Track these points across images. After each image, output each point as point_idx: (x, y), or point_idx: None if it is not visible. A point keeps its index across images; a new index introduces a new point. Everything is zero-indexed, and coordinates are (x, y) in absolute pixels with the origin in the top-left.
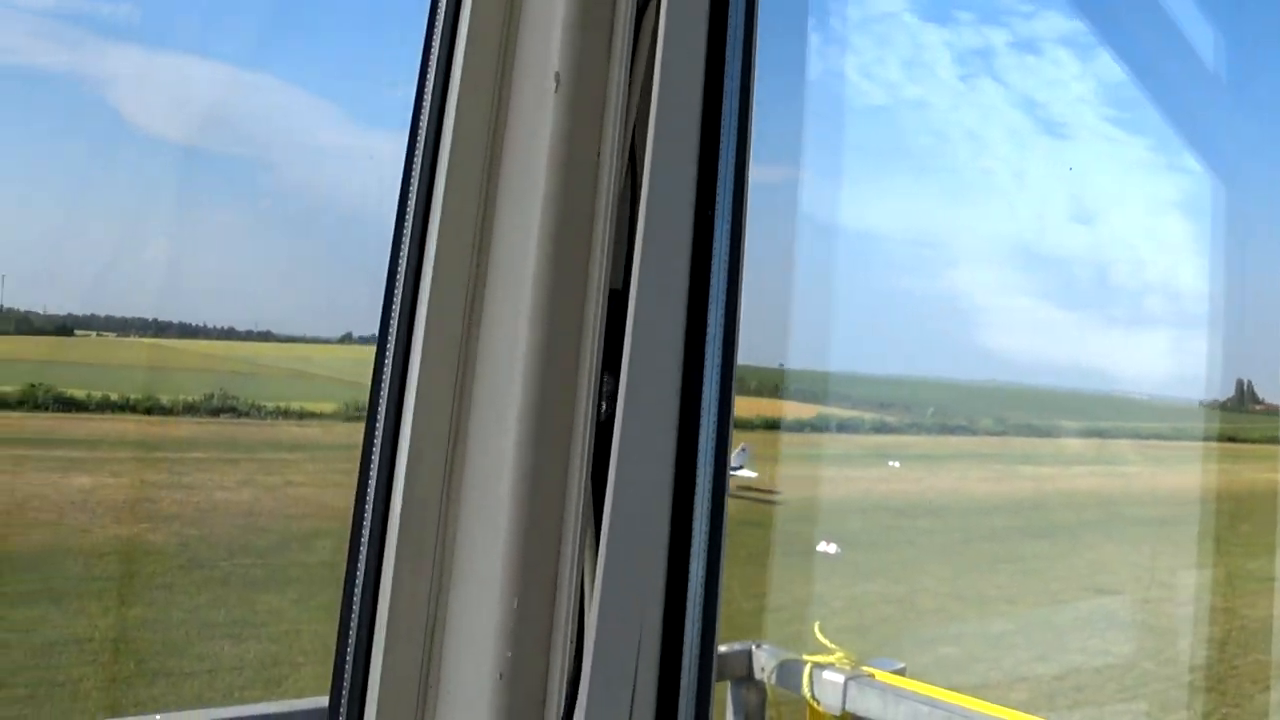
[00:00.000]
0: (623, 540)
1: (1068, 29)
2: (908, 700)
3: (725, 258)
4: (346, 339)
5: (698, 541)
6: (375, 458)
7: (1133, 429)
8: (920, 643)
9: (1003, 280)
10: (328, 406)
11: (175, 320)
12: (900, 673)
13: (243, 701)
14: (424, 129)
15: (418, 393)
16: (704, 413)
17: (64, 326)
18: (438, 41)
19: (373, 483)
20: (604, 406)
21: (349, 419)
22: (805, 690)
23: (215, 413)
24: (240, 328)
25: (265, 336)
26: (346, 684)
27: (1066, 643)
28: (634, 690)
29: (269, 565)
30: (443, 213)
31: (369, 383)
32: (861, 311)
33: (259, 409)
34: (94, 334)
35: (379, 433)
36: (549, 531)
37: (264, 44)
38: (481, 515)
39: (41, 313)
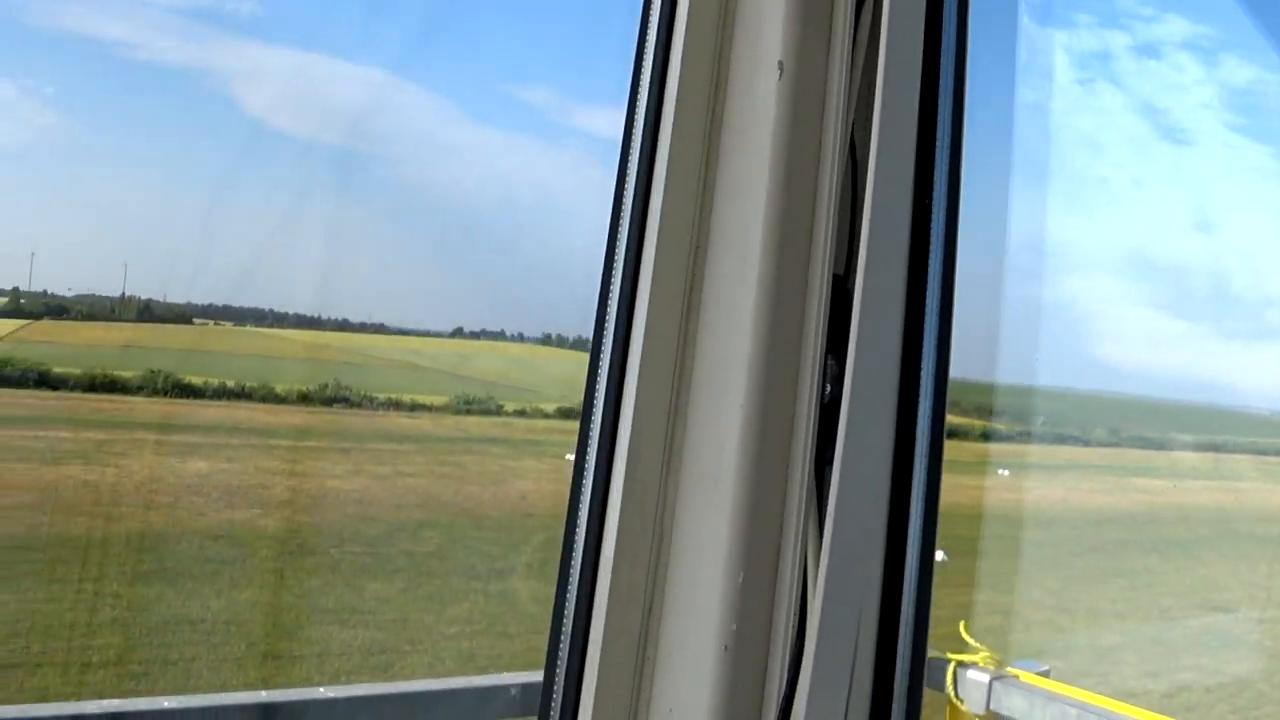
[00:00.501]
0: (847, 521)
1: (1191, 33)
2: (1057, 703)
3: (941, 245)
4: (458, 333)
5: (914, 524)
6: (594, 436)
7: (1250, 444)
8: (1025, 655)
9: (1117, 289)
10: (438, 399)
11: (291, 311)
12: (1045, 674)
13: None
14: (640, 118)
15: (639, 373)
16: (921, 396)
17: (183, 315)
18: (653, 32)
19: (591, 460)
20: (828, 389)
21: (458, 412)
22: (949, 688)
23: (328, 402)
24: (354, 320)
25: (378, 329)
26: (563, 657)
27: (1177, 660)
28: (853, 668)
29: (377, 554)
30: (663, 200)
31: (479, 377)
32: (971, 317)
33: (371, 400)
34: (212, 323)
35: (598, 410)
36: (772, 509)
37: (382, 41)
38: (703, 492)
39: (162, 301)
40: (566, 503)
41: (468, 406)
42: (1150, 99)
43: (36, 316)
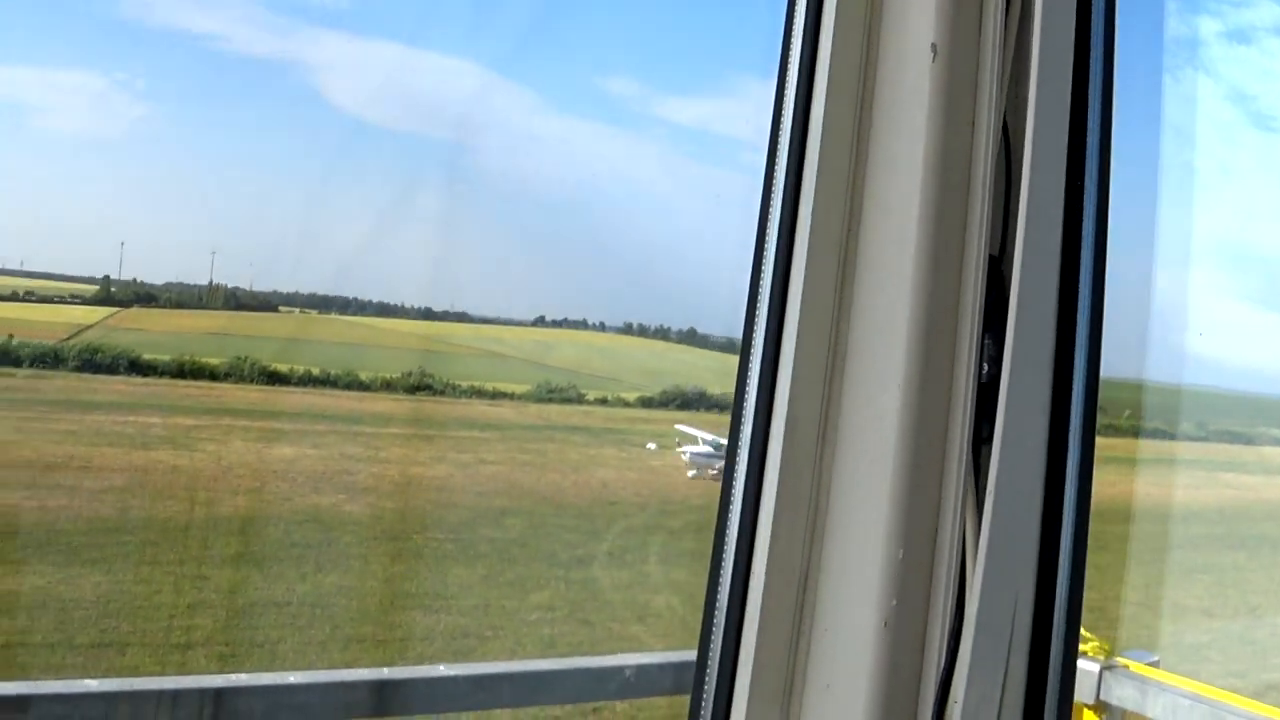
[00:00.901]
0: (1006, 499)
1: None
2: (1169, 693)
3: (1093, 226)
4: (539, 321)
5: (1068, 503)
6: (747, 414)
7: None
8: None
9: (1206, 280)
10: (520, 387)
11: (374, 299)
12: (1154, 665)
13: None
14: (790, 100)
15: (794, 352)
16: (1075, 376)
17: (269, 303)
18: (801, 13)
19: (745, 438)
20: (985, 368)
21: (540, 400)
22: None
23: (412, 390)
24: (437, 308)
25: (461, 317)
26: (718, 634)
27: (1266, 660)
28: (1009, 646)
29: (460, 540)
30: (816, 181)
31: (560, 365)
32: None
33: (454, 387)
34: (297, 311)
35: (751, 389)
36: (930, 487)
37: (468, 32)
38: (860, 469)
39: (248, 289)
40: (647, 491)
41: (549, 395)
42: (1240, 86)
43: (126, 304)
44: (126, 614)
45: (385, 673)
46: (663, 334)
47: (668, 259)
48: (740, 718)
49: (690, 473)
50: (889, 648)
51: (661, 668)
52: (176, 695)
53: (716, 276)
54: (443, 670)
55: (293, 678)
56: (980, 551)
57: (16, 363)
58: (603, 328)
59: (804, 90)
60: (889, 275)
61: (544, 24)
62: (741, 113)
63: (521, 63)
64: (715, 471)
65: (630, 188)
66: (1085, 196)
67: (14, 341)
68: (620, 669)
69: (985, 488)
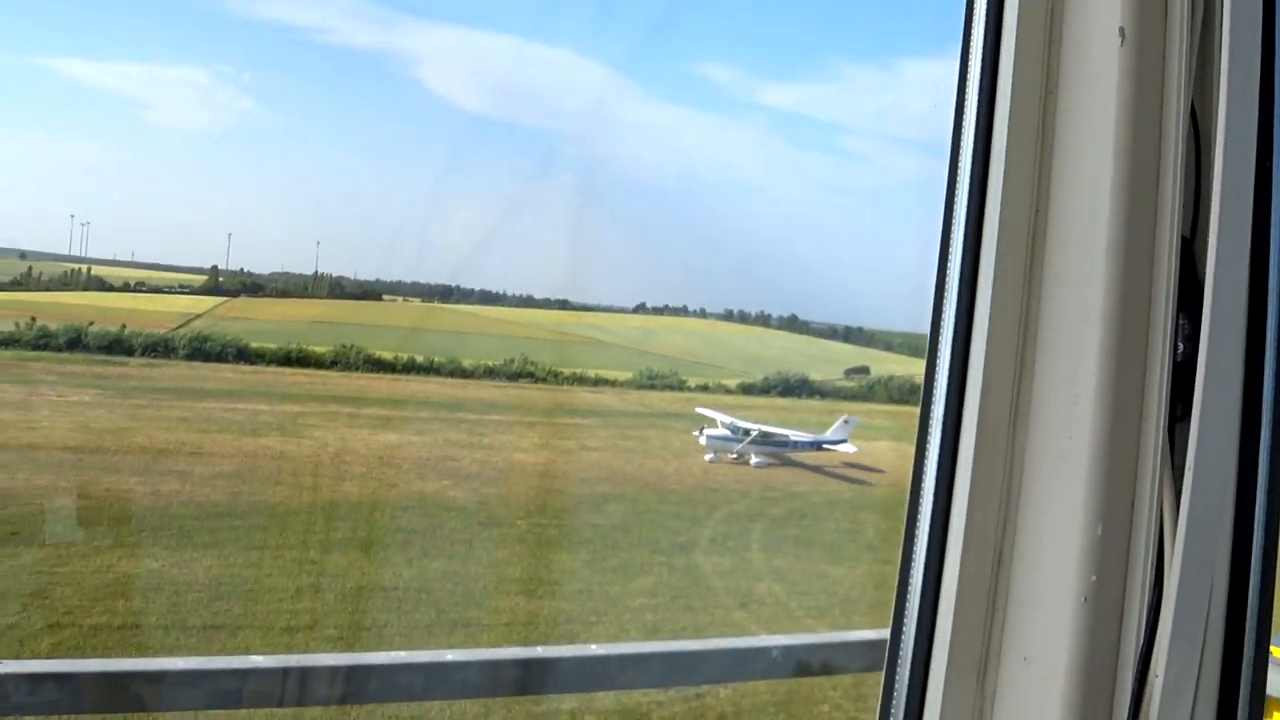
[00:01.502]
0: (1204, 477)
1: None
2: None
3: None
4: (640, 309)
5: (1261, 480)
6: (939, 392)
7: None
8: None
9: None
10: (621, 374)
11: (476, 287)
12: None
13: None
14: (974, 82)
15: (987, 330)
16: (1266, 354)
17: (372, 291)
18: (983, 3)
19: (937, 414)
20: (1180, 348)
21: (641, 387)
22: None
23: (514, 377)
24: (539, 296)
25: (562, 305)
26: (912, 611)
27: None
28: (1207, 621)
29: (562, 526)
30: (1004, 162)
31: (661, 352)
32: None
33: (555, 375)
34: (400, 299)
35: (942, 368)
36: (1126, 464)
37: (567, 21)
38: (1055, 446)
39: (352, 278)
40: (749, 478)
41: (650, 381)
42: None
43: (234, 294)
44: (238, 597)
45: (539, 651)
46: (763, 320)
47: (768, 245)
48: (938, 689)
49: (708, 456)
50: (1088, 622)
51: (807, 648)
52: (336, 671)
53: (818, 262)
54: (594, 650)
55: (450, 655)
56: (1180, 528)
57: (129, 351)
58: (703, 314)
59: (989, 75)
60: (1081, 259)
61: (645, 13)
62: (839, 97)
63: (622, 52)
64: (734, 455)
65: (729, 174)
66: (1275, 177)
67: (126, 331)
68: (767, 649)
69: (1182, 465)
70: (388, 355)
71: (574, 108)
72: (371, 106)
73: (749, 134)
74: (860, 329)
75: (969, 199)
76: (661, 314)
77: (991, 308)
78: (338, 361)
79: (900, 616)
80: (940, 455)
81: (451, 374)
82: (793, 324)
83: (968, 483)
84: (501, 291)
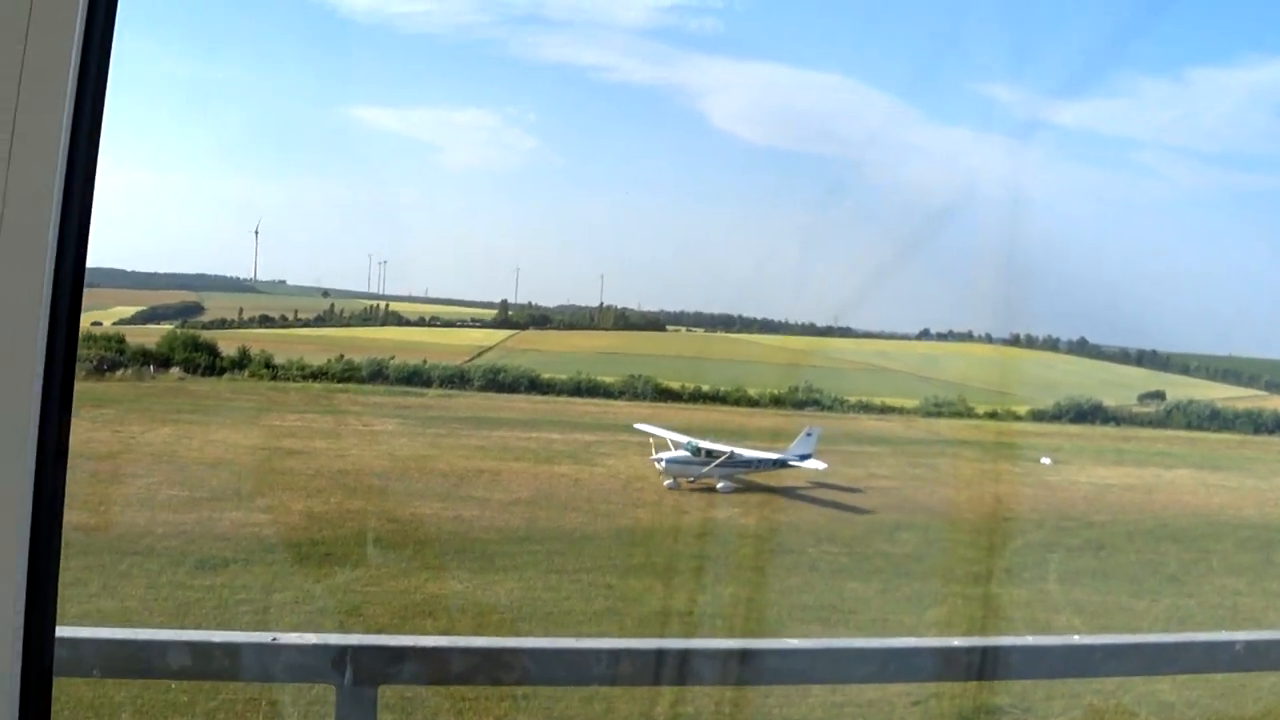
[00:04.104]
0: None
1: None
2: None
3: None
4: (924, 335)
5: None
6: None
7: None
8: None
9: None
10: (907, 401)
11: (758, 316)
12: None
13: None
14: None
15: None
16: None
17: (656, 322)
18: None
19: None
20: None
21: (928, 414)
22: None
23: (800, 405)
24: (820, 323)
25: (844, 332)
26: None
27: None
28: None
29: (854, 554)
30: None
31: (947, 379)
32: None
33: (840, 402)
34: (683, 329)
35: None
36: None
37: (845, 48)
38: None
39: (636, 309)
40: (1044, 507)
41: (937, 409)
42: None
43: (522, 326)
44: (539, 618)
45: (955, 642)
46: (1051, 344)
47: (1056, 267)
48: None
49: (666, 482)
50: None
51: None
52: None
53: (1109, 283)
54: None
55: (793, 642)
56: None
57: (427, 383)
58: (989, 339)
59: None
60: None
61: (925, 36)
62: (1129, 111)
63: (902, 76)
64: (692, 481)
65: (1014, 194)
66: None
67: (425, 363)
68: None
69: None
70: (674, 384)
71: (854, 134)
72: (653, 140)
73: (1034, 153)
74: (1154, 352)
75: None
76: (946, 340)
77: None
78: (625, 391)
79: None
80: None
81: (737, 402)
82: (1082, 348)
83: None
84: (783, 320)
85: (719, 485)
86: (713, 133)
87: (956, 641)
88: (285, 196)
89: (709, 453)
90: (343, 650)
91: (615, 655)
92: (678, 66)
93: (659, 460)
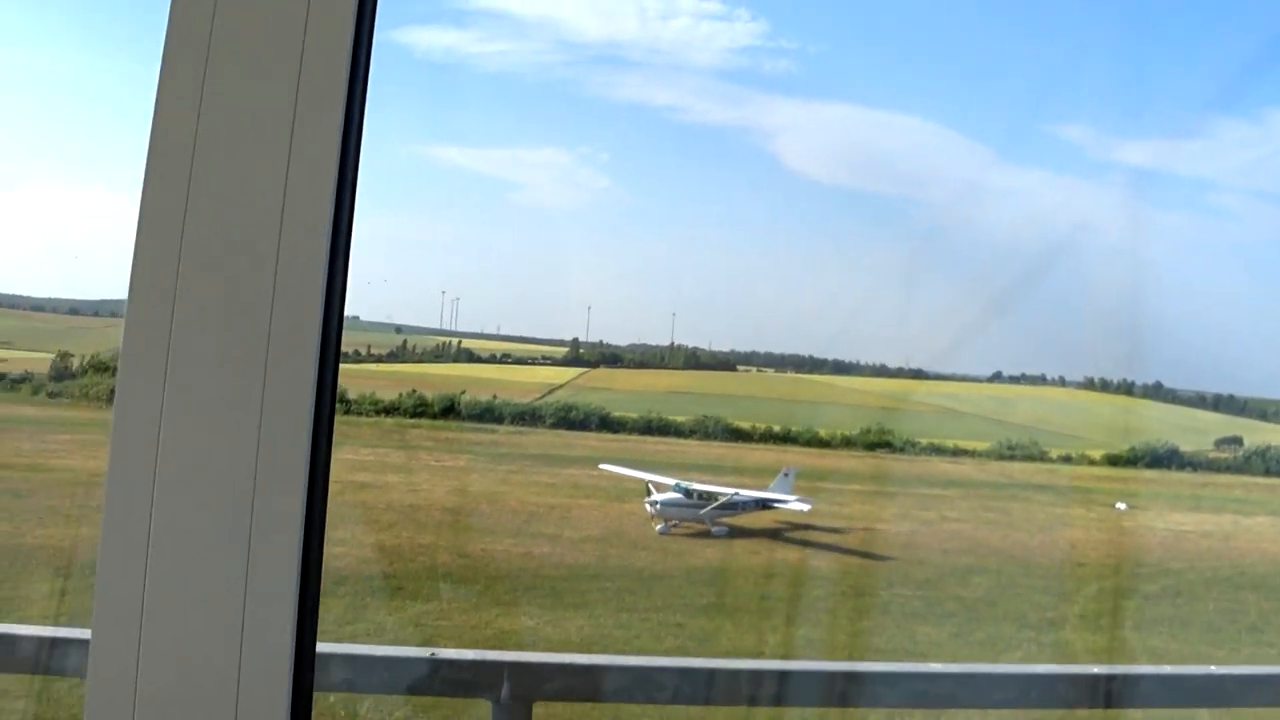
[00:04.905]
0: None
1: None
2: None
3: None
4: (996, 377)
5: None
6: None
7: None
8: None
9: None
10: (980, 444)
11: (829, 357)
12: None
13: None
14: None
15: None
16: None
17: (726, 362)
18: None
19: None
20: None
21: (1001, 457)
22: None
23: (871, 447)
24: (891, 365)
25: (916, 374)
26: None
27: None
28: None
29: (926, 598)
30: None
31: (1020, 422)
32: None
33: (912, 444)
34: (754, 369)
35: None
36: None
37: (917, 88)
38: None
39: (707, 349)
40: (1119, 553)
41: (1010, 452)
42: None
43: (593, 364)
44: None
45: (1040, 669)
46: (1126, 388)
47: (1130, 309)
48: None
49: (658, 527)
50: None
51: None
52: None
53: (1184, 326)
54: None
55: (935, 666)
56: None
57: (498, 420)
58: (1062, 382)
59: None
60: None
61: (997, 77)
62: (1204, 151)
63: (974, 116)
64: (680, 524)
65: (1087, 236)
66: None
67: (496, 400)
68: None
69: None
70: (745, 425)
71: (926, 174)
72: (725, 181)
73: (1108, 194)
74: (1231, 397)
75: None
76: (1018, 382)
77: None
78: (696, 430)
79: None
80: None
81: (809, 444)
82: (1157, 392)
83: None
84: (854, 361)
85: (713, 530)
86: (784, 173)
87: (1096, 669)
88: (362, 234)
89: (701, 495)
90: (499, 666)
91: (766, 676)
92: (751, 107)
93: (653, 504)
